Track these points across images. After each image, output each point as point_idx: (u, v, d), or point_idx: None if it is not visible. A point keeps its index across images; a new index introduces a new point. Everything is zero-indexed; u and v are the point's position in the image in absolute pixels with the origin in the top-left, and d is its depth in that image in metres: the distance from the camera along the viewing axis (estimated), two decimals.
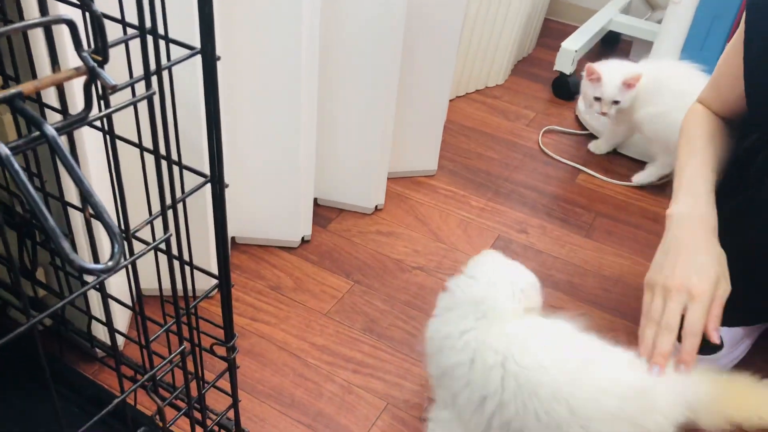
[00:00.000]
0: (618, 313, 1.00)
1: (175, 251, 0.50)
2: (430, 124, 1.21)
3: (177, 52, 0.42)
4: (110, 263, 0.33)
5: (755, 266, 0.77)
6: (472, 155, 1.37)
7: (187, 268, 0.54)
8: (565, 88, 1.60)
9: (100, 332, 0.78)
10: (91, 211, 0.44)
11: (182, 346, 0.55)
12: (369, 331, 0.92)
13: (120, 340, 0.82)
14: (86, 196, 0.33)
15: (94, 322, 0.70)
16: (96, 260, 0.58)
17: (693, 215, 0.76)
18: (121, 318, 0.84)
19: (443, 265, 1.06)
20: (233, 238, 1.06)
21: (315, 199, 1.17)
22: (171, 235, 0.48)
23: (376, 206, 1.17)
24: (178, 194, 0.48)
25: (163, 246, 0.48)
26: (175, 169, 0.47)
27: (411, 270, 1.05)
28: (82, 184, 0.33)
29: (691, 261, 0.73)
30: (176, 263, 0.51)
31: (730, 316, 0.84)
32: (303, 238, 1.07)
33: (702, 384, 0.65)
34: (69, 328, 0.72)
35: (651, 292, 0.74)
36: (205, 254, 0.88)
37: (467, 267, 0.72)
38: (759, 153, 0.77)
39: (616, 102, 1.22)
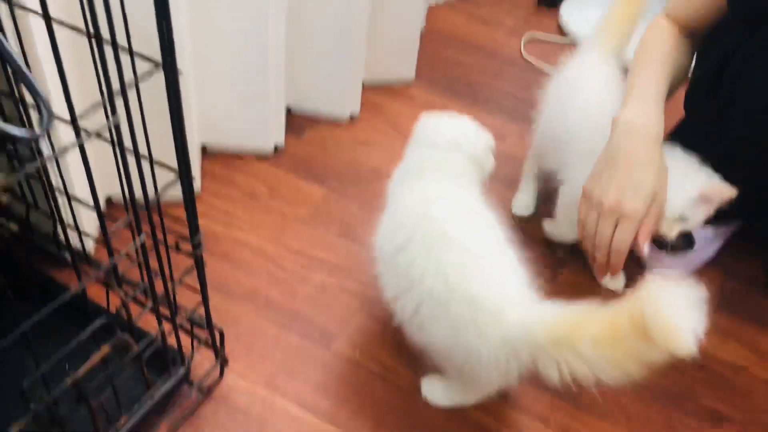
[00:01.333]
0: None
1: (134, 147, 0.49)
2: (406, 29, 1.17)
3: None
4: (38, 131, 0.32)
5: (726, 170, 0.76)
6: (451, 63, 1.33)
7: (152, 167, 0.53)
8: None
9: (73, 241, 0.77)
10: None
11: (140, 236, 0.54)
12: (344, 236, 0.92)
13: (89, 245, 0.81)
14: (6, 58, 0.31)
15: (62, 229, 0.69)
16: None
17: (638, 123, 0.74)
18: (90, 225, 0.83)
19: None
20: (205, 147, 1.04)
21: (288, 108, 1.15)
22: (117, 123, 0.46)
23: (351, 115, 1.15)
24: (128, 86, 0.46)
25: (108, 136, 0.47)
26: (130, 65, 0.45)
27: (387, 179, 1.04)
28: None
29: (628, 177, 0.71)
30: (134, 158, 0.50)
31: None
32: (276, 147, 1.06)
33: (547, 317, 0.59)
34: (36, 235, 0.71)
35: (587, 203, 0.74)
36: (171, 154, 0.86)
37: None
38: (734, 56, 0.76)
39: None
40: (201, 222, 0.91)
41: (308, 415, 0.70)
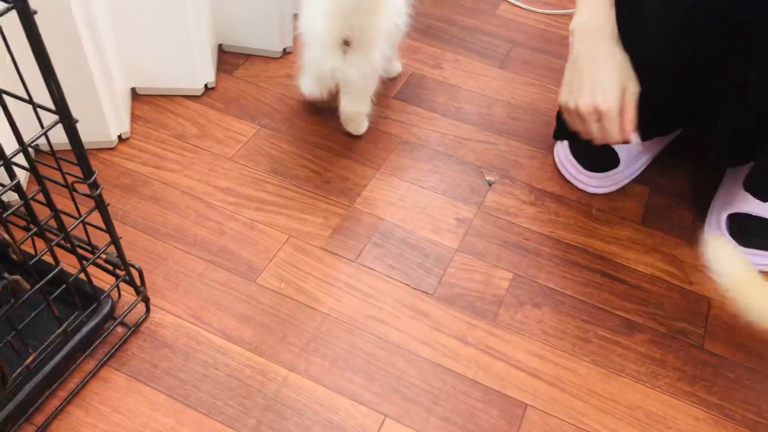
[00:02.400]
0: (523, 140, 1.02)
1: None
2: None
3: None
4: None
5: (645, 77, 0.77)
6: None
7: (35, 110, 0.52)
8: None
9: None
10: None
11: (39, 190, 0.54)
12: (274, 172, 0.93)
13: None
14: None
15: None
16: None
17: (592, 26, 0.77)
18: None
19: None
20: (134, 89, 1.03)
21: (220, 46, 1.13)
22: None
23: (285, 49, 1.13)
24: None
25: None
26: None
27: (320, 112, 1.04)
28: None
29: (594, 78, 0.76)
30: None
31: None
32: (206, 86, 1.05)
33: None
34: None
35: (569, 114, 0.81)
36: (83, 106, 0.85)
37: None
38: None
39: None
40: (130, 165, 0.92)
41: (232, 346, 0.73)
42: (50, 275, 0.55)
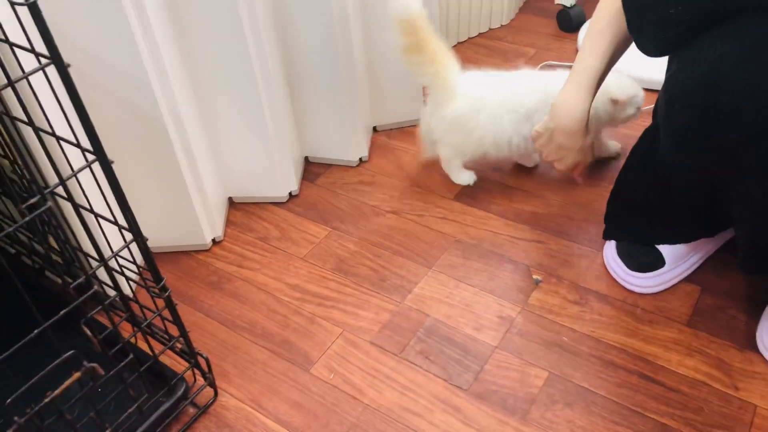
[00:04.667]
0: (575, 239, 1.06)
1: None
2: (405, 76, 1.28)
3: None
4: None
5: (673, 181, 0.81)
6: None
7: (111, 227, 0.68)
8: (567, 21, 1.60)
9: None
10: None
11: (116, 294, 0.69)
12: (338, 270, 1.05)
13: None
14: None
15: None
16: None
17: (564, 109, 0.90)
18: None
19: (416, 207, 1.16)
20: (230, 198, 1.21)
21: (306, 158, 1.30)
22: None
23: (360, 159, 1.27)
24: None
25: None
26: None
27: (385, 214, 1.15)
28: None
29: (559, 149, 0.95)
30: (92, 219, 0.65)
31: (662, 234, 0.90)
32: (290, 193, 1.20)
33: None
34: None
35: (539, 150, 0.99)
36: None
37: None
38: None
39: None
40: (218, 264, 1.07)
41: (282, 429, 0.82)
42: (122, 363, 0.69)
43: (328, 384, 0.87)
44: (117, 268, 0.77)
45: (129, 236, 0.68)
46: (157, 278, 0.71)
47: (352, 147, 1.25)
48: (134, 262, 0.73)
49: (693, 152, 0.72)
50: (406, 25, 0.98)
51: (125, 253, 0.74)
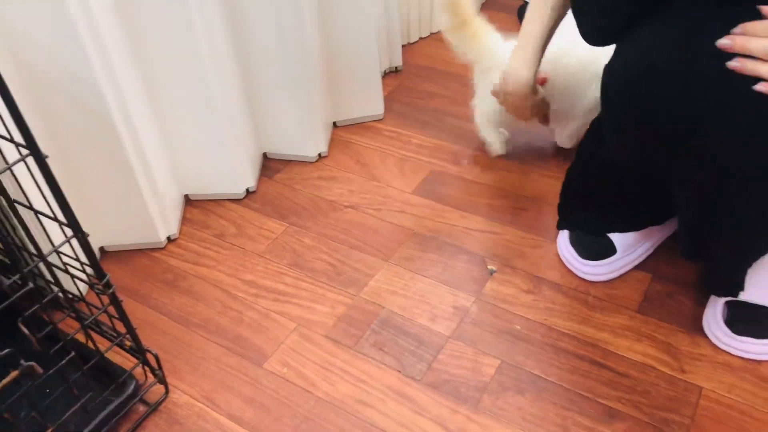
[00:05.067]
0: (530, 230, 1.07)
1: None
2: (364, 73, 1.28)
3: None
4: None
5: (617, 169, 0.82)
6: (425, 95, 1.43)
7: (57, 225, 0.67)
8: None
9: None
10: None
11: (57, 291, 0.68)
12: (294, 266, 1.04)
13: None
14: None
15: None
16: None
17: (513, 75, 0.97)
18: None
19: (374, 201, 1.16)
20: (187, 196, 1.19)
21: (265, 154, 1.29)
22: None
23: (320, 154, 1.27)
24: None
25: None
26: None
27: (343, 209, 1.15)
28: None
29: (511, 104, 1.02)
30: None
31: (612, 223, 0.91)
32: (248, 190, 1.20)
33: None
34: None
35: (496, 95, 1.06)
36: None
37: None
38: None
39: None
40: (173, 262, 1.06)
41: (234, 425, 0.82)
42: (63, 361, 0.68)
43: (282, 378, 0.87)
44: (60, 265, 0.76)
45: (70, 233, 0.67)
46: (100, 274, 0.70)
47: (310, 142, 1.25)
48: (77, 259, 0.72)
49: (630, 140, 0.73)
50: (451, 6, 1.09)
51: (67, 250, 0.72)
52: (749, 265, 0.78)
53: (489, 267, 1.01)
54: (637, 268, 0.98)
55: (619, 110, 0.70)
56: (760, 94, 0.59)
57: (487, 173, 1.20)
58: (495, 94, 1.05)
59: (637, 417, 0.79)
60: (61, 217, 0.67)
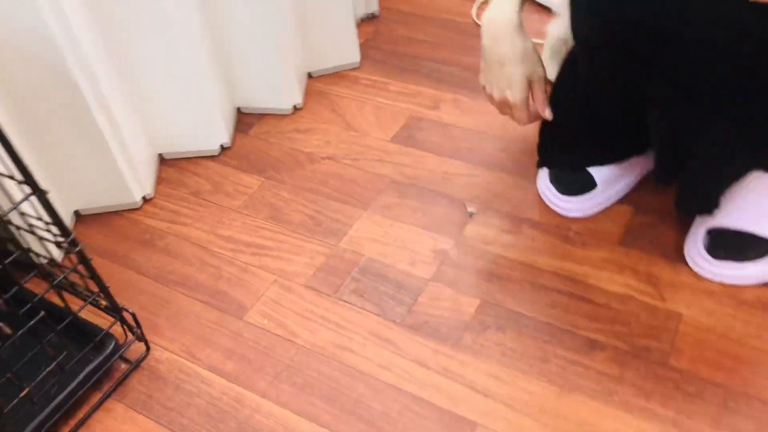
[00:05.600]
0: (511, 171, 1.05)
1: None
2: (338, 19, 1.25)
3: None
4: None
5: (594, 98, 0.80)
6: (403, 41, 1.40)
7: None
8: None
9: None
10: None
11: (17, 252, 0.67)
12: (272, 219, 1.03)
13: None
14: None
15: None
16: None
17: (496, 20, 0.83)
18: None
19: (352, 151, 1.14)
20: (161, 155, 1.17)
21: (239, 108, 1.26)
22: None
23: (295, 106, 1.24)
24: None
25: None
26: None
27: (320, 160, 1.13)
28: None
29: (500, 74, 0.84)
30: None
31: (590, 157, 0.89)
32: (222, 146, 1.17)
33: None
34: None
35: (487, 96, 0.91)
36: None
37: None
38: None
39: None
40: (150, 222, 1.05)
41: (215, 377, 0.82)
42: (33, 321, 0.67)
43: (262, 329, 0.86)
44: (26, 226, 0.74)
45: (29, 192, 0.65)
46: (65, 232, 0.69)
47: (285, 94, 1.22)
48: (41, 219, 0.71)
49: (602, 61, 0.71)
50: None
51: (28, 209, 0.71)
52: (725, 186, 0.77)
53: (469, 209, 0.99)
54: (619, 202, 0.97)
55: (590, 30, 0.67)
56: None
57: (466, 117, 1.17)
58: (483, 80, 0.90)
59: (617, 346, 0.78)
60: (19, 176, 0.66)
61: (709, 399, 0.72)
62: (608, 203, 0.96)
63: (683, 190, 0.82)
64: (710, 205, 0.79)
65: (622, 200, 0.97)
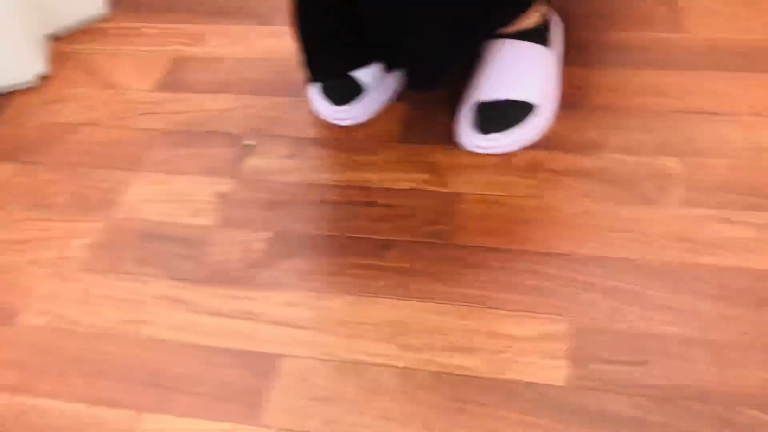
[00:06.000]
0: (288, 94, 1.00)
1: None
2: None
3: None
4: None
5: None
6: None
7: None
8: None
9: None
10: None
11: None
12: (33, 208, 0.91)
13: None
14: None
15: None
16: None
17: None
18: None
19: (115, 111, 1.03)
20: None
21: None
22: None
23: (42, 76, 1.10)
24: None
25: None
26: None
27: (80, 129, 1.02)
28: None
29: None
30: None
31: (348, 60, 0.85)
32: None
33: None
34: None
35: None
36: None
37: None
38: None
39: None
40: None
41: (2, 395, 0.72)
42: None
43: (40, 328, 0.77)
44: None
45: None
46: None
47: (23, 65, 1.07)
48: None
49: None
50: None
51: None
52: (451, 63, 0.75)
53: (246, 143, 0.94)
54: (394, 102, 0.95)
55: None
56: None
57: (236, 46, 1.10)
58: None
59: (406, 240, 0.78)
60: None
61: (492, 266, 0.74)
62: (381, 103, 0.94)
63: (408, 73, 0.82)
64: (434, 83, 0.80)
65: (397, 99, 0.95)
